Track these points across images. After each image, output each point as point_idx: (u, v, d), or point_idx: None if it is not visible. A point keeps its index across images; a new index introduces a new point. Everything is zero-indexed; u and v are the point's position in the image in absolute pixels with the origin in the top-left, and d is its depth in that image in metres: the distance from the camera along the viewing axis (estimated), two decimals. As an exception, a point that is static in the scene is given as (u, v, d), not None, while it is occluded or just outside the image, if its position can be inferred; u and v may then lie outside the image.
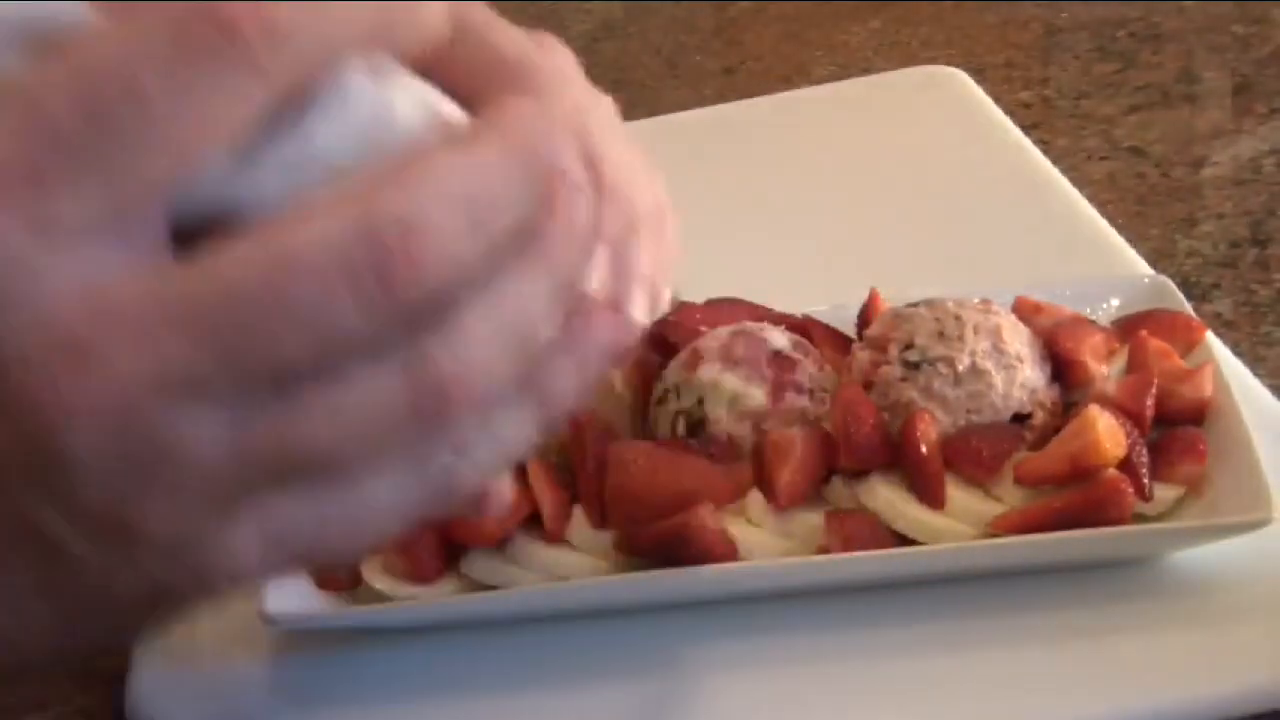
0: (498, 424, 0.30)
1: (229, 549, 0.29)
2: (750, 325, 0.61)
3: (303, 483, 0.28)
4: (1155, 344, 0.58)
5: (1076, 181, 0.82)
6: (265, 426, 0.28)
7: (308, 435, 0.28)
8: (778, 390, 0.58)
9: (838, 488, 0.56)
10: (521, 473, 0.57)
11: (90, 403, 0.26)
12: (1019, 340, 0.57)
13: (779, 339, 0.60)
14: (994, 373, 0.56)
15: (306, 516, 0.29)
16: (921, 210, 0.83)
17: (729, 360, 0.59)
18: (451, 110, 0.31)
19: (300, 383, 0.27)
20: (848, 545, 0.54)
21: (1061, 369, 0.58)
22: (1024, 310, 0.61)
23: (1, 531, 0.28)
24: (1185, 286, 0.67)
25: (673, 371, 0.60)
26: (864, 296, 0.64)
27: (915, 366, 0.57)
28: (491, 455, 0.30)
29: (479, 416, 0.29)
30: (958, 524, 0.54)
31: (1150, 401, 0.55)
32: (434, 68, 0.31)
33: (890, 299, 0.63)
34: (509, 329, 0.29)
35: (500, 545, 0.56)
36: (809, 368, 0.59)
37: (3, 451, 0.27)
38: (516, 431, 0.31)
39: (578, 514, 0.56)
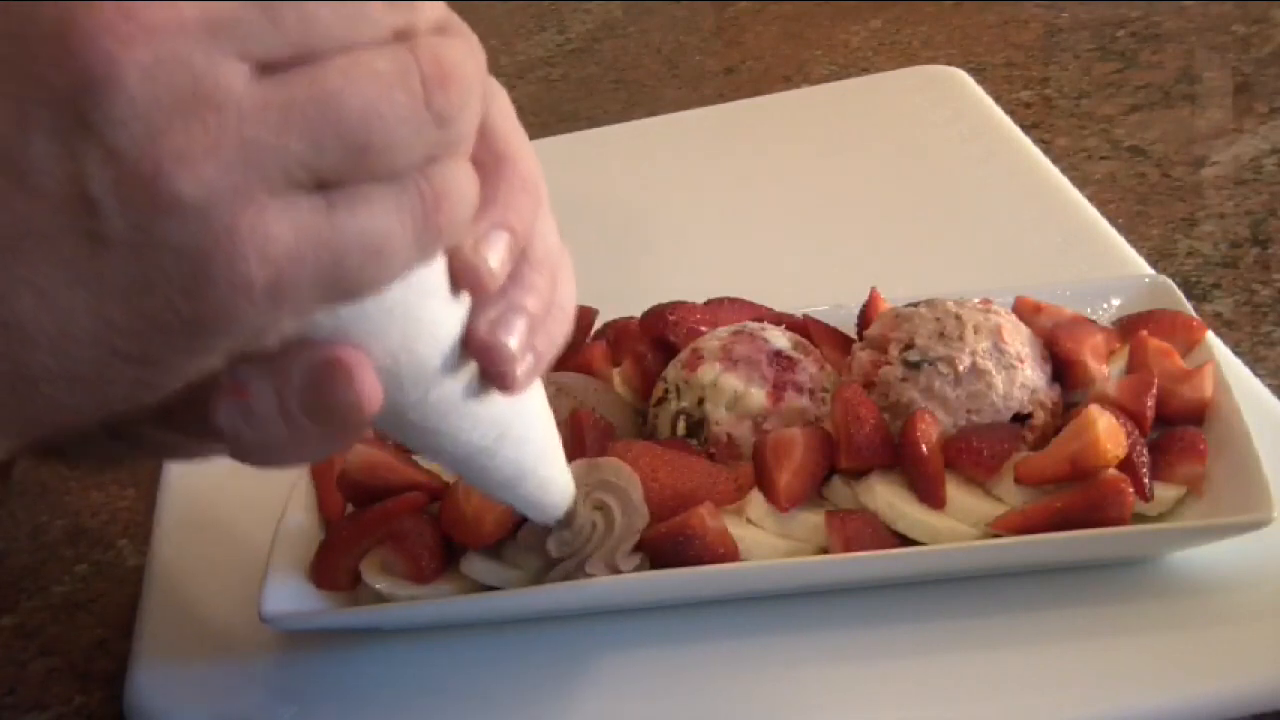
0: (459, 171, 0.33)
1: (258, 230, 0.29)
2: (750, 325, 0.61)
3: (330, 159, 0.30)
4: (1155, 344, 0.58)
5: (1076, 181, 0.82)
6: (298, 79, 0.30)
7: (334, 91, 0.30)
8: (778, 390, 0.58)
9: (838, 488, 0.56)
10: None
11: (142, 31, 0.28)
12: (1019, 340, 0.57)
13: (779, 339, 0.60)
14: (994, 373, 0.56)
15: (325, 220, 0.31)
16: (921, 210, 0.83)
17: (729, 360, 0.59)
18: None
19: (331, 52, 0.30)
20: (848, 545, 0.54)
21: (1062, 369, 0.58)
22: (1024, 310, 0.61)
23: (40, 205, 0.29)
24: (1185, 286, 0.67)
25: (673, 371, 0.60)
26: (864, 296, 0.64)
27: (916, 366, 0.57)
28: (460, 194, 0.33)
29: (466, 108, 0.32)
30: (958, 524, 0.54)
31: (1150, 401, 0.55)
32: None
33: (890, 299, 0.63)
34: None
35: (499, 546, 0.56)
36: (809, 368, 0.59)
37: (51, 89, 0.28)
38: (467, 184, 0.33)
39: (578, 514, 0.56)
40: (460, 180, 0.33)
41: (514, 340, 0.37)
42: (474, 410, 0.39)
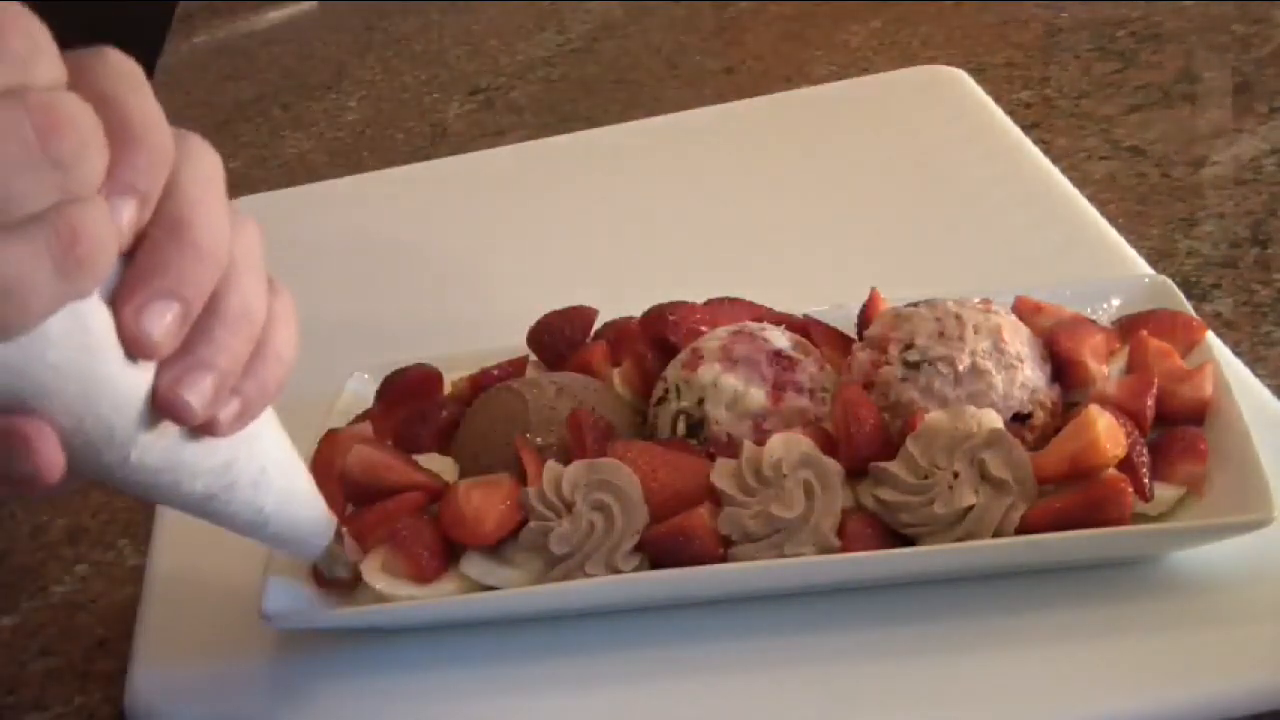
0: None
1: None
2: (750, 325, 0.61)
3: None
4: (1155, 344, 0.58)
5: (1076, 181, 0.82)
6: None
7: None
8: (778, 390, 0.58)
9: (838, 488, 0.56)
10: (521, 474, 0.57)
11: None
12: (1019, 340, 0.57)
13: (779, 339, 0.60)
14: (994, 372, 0.56)
15: None
16: (921, 210, 0.83)
17: (729, 360, 0.59)
18: None
19: None
20: (849, 545, 0.54)
21: (1062, 369, 0.58)
22: (1024, 310, 0.61)
23: None
24: (1185, 286, 0.67)
25: (673, 371, 0.60)
26: (864, 296, 0.64)
27: (916, 366, 0.57)
28: (98, 233, 0.34)
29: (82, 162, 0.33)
30: (958, 524, 0.54)
31: (1150, 401, 0.55)
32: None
33: (890, 299, 0.63)
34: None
35: (499, 546, 0.56)
36: (809, 368, 0.59)
37: None
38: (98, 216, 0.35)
39: (578, 514, 0.56)
40: (97, 219, 0.34)
41: (196, 396, 0.38)
42: (191, 463, 0.40)
